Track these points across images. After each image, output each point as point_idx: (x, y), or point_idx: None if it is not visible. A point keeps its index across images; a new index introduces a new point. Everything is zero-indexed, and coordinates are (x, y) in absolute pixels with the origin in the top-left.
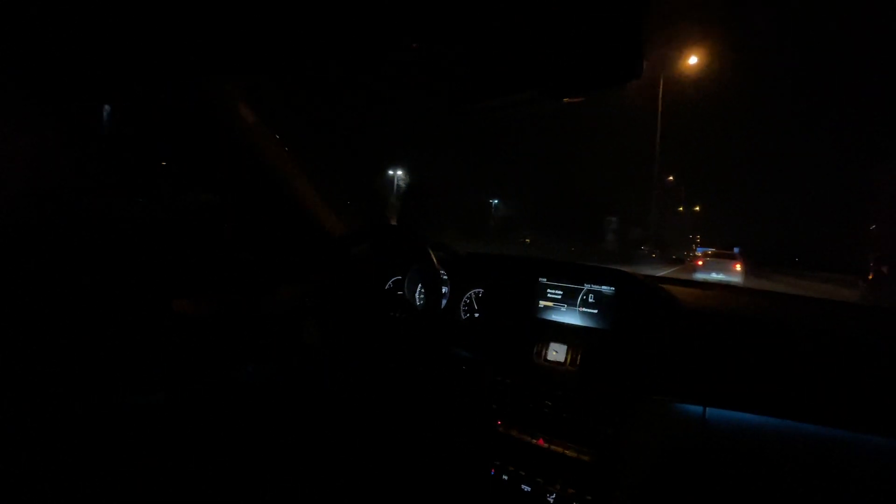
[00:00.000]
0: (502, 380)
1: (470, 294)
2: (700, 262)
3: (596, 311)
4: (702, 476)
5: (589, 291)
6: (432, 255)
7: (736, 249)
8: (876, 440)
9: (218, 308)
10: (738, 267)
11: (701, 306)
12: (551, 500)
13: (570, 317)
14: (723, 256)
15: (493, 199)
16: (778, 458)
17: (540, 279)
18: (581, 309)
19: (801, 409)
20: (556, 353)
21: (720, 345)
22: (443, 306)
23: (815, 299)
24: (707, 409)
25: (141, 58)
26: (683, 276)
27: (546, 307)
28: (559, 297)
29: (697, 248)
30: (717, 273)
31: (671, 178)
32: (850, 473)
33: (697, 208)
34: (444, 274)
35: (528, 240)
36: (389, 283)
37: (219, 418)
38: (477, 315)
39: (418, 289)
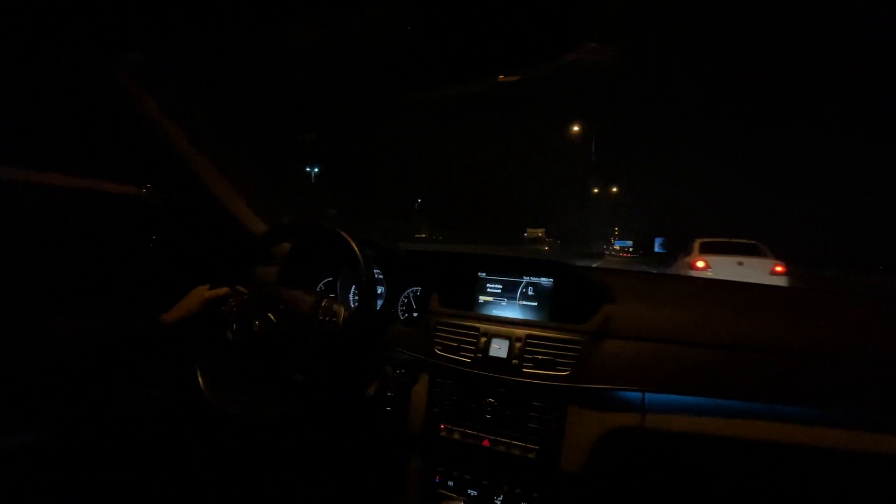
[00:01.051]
0: (443, 381)
1: (408, 293)
2: (703, 264)
3: (536, 304)
4: (642, 461)
5: (528, 284)
6: (360, 254)
7: (658, 241)
8: (801, 411)
9: (101, 325)
10: (780, 270)
11: (635, 294)
12: (498, 502)
13: (510, 311)
14: (744, 251)
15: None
16: (714, 437)
17: (479, 274)
18: (521, 302)
19: (733, 387)
20: (498, 348)
21: (655, 330)
22: (379, 307)
23: (734, 283)
24: (646, 394)
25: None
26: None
27: (486, 302)
28: (499, 291)
29: (616, 241)
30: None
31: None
32: (781, 446)
33: (615, 189)
34: (378, 273)
35: (423, 234)
36: (321, 285)
37: (112, 455)
38: (416, 314)
39: (351, 291)
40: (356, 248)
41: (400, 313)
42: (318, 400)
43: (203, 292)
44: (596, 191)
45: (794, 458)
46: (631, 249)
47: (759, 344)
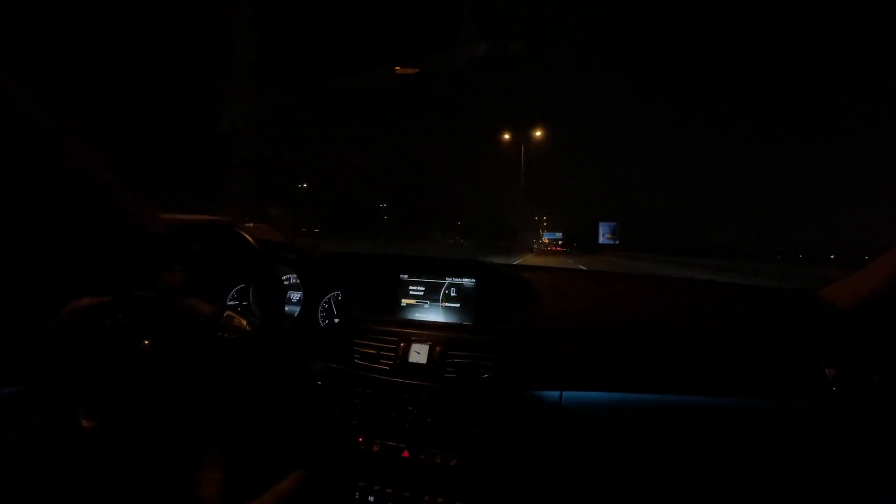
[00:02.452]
0: (363, 390)
1: (329, 298)
2: None
3: (458, 306)
4: (561, 459)
5: (451, 285)
6: (263, 257)
7: (606, 227)
8: (706, 400)
9: None
10: None
11: (554, 291)
12: None
13: (433, 313)
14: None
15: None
16: (628, 429)
17: (401, 276)
18: (444, 304)
19: (647, 382)
20: (419, 353)
21: (574, 328)
22: (297, 314)
23: (647, 276)
24: (563, 392)
25: None
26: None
27: (409, 305)
28: (421, 293)
29: (545, 234)
30: None
31: (507, 136)
32: (688, 433)
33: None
34: (295, 278)
35: (317, 229)
36: (233, 292)
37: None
38: (337, 321)
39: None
40: (258, 250)
41: (320, 320)
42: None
43: (80, 302)
44: (522, 180)
45: (702, 447)
46: (561, 242)
47: (666, 336)
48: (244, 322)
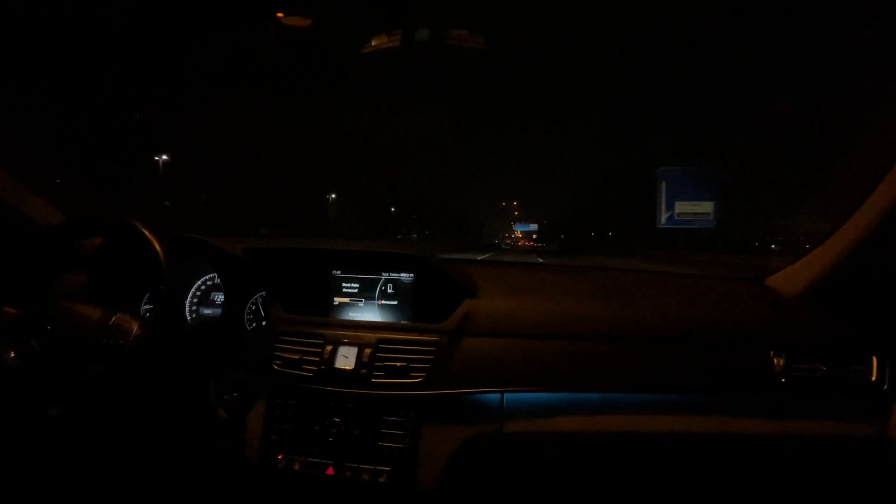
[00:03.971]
0: (283, 401)
1: (256, 298)
2: None
3: (396, 303)
4: (503, 470)
5: (388, 281)
6: (159, 253)
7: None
8: (633, 396)
9: None
10: None
11: (496, 286)
12: None
13: (368, 312)
14: None
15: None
16: (572, 434)
17: (334, 272)
18: (380, 302)
19: (588, 379)
20: (346, 357)
21: (513, 323)
22: (219, 316)
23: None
24: (505, 395)
25: None
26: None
27: (342, 304)
28: (356, 290)
29: (517, 226)
30: None
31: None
32: (634, 433)
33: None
34: (215, 278)
35: (263, 231)
36: (145, 298)
37: None
38: (264, 323)
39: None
40: (156, 246)
41: (247, 323)
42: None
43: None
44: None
45: (650, 447)
46: (535, 236)
47: (612, 332)
48: (135, 326)
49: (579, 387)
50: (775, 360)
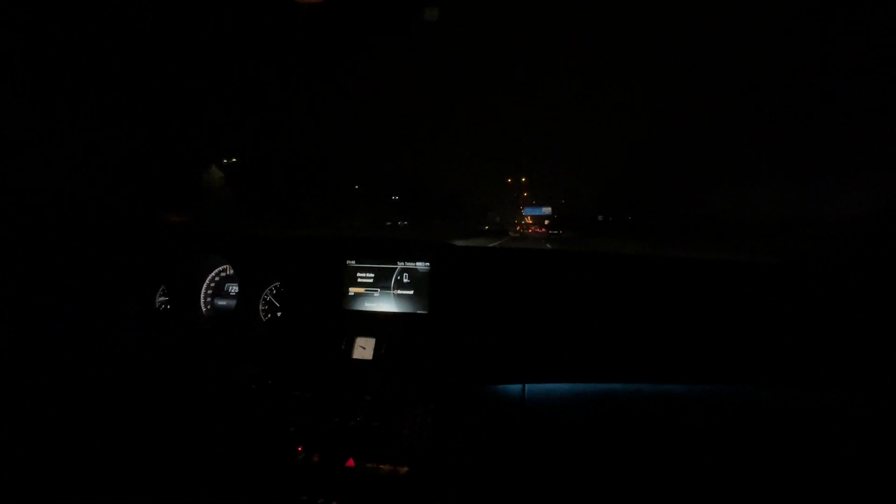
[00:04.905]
0: (301, 394)
1: (270, 289)
2: None
3: (412, 293)
4: (524, 457)
5: (403, 270)
6: (172, 249)
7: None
8: (674, 388)
9: None
10: None
11: (518, 274)
12: None
13: (384, 303)
14: None
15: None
16: (593, 420)
17: (348, 262)
18: (396, 292)
19: (615, 370)
20: (364, 348)
21: (535, 316)
22: (234, 308)
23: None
24: (526, 385)
25: None
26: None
27: (357, 295)
28: (371, 280)
29: (525, 209)
30: None
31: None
32: (656, 422)
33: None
34: (229, 269)
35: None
36: (161, 289)
37: None
38: (279, 314)
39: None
40: (168, 239)
41: (262, 314)
42: None
43: None
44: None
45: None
46: (548, 222)
47: (648, 320)
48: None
49: (603, 378)
50: (808, 351)
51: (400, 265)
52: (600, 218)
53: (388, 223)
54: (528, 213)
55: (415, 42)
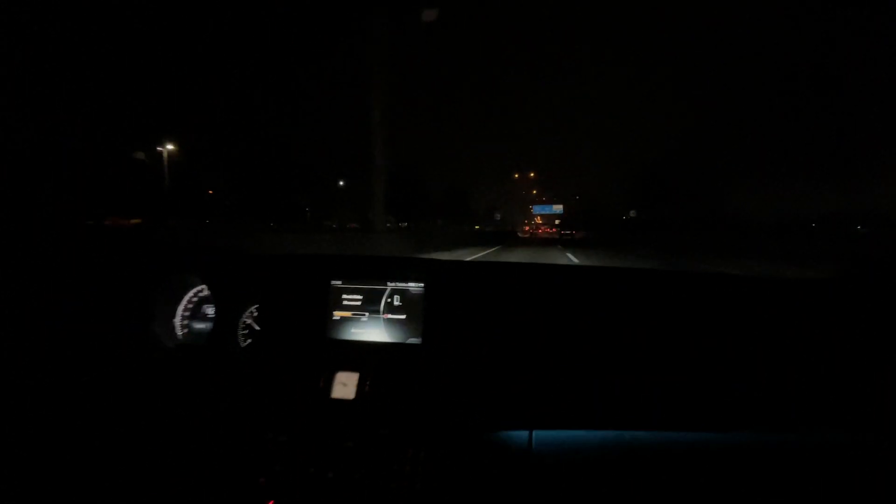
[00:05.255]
0: (274, 437)
1: (250, 312)
2: None
3: (404, 317)
4: None
5: (394, 292)
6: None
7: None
8: (691, 436)
9: None
10: None
11: (525, 295)
12: None
13: (372, 329)
14: None
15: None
16: (613, 474)
17: (333, 282)
18: (386, 316)
19: (635, 415)
20: (345, 385)
21: (547, 347)
22: (210, 332)
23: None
24: (533, 431)
25: None
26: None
27: (343, 319)
28: (358, 303)
29: (535, 208)
30: None
31: None
32: (671, 473)
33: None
34: (205, 290)
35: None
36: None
37: None
38: (256, 341)
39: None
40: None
41: (241, 339)
42: None
43: None
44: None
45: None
46: (558, 222)
47: (672, 354)
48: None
49: (625, 424)
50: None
51: (391, 286)
52: (633, 214)
53: (388, 224)
54: (538, 213)
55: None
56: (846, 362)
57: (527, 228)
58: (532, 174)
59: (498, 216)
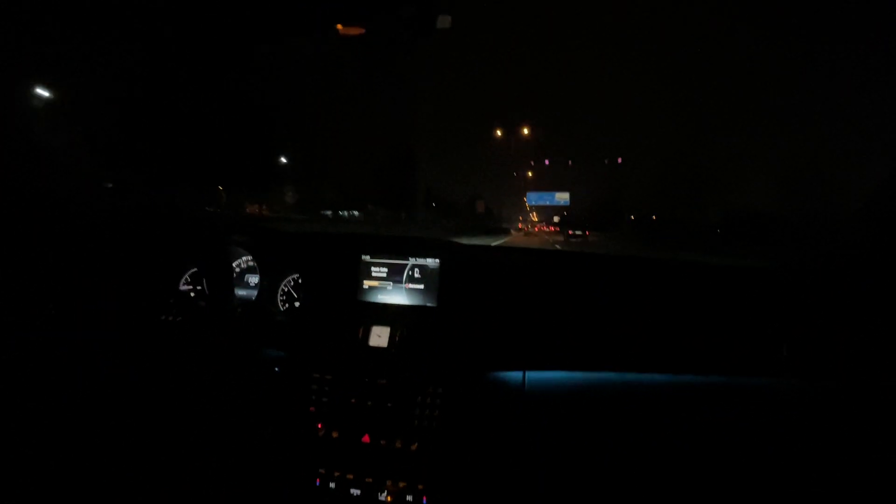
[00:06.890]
0: (321, 376)
1: (288, 281)
2: None
3: (422, 287)
4: (523, 438)
5: (414, 266)
6: (210, 241)
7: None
8: (672, 378)
9: None
10: None
11: (524, 273)
12: (383, 499)
13: (396, 296)
14: None
15: None
16: (592, 408)
17: (363, 257)
18: (407, 286)
19: (607, 360)
20: (380, 336)
21: (537, 310)
22: (254, 298)
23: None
24: (526, 372)
25: None
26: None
27: (371, 287)
28: (384, 274)
29: (528, 196)
30: None
31: None
32: (652, 412)
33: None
34: (251, 260)
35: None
36: (186, 276)
37: None
38: (297, 304)
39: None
40: (203, 233)
41: (280, 304)
42: None
43: None
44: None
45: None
46: (557, 219)
47: (637, 315)
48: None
49: (599, 367)
50: (785, 346)
51: (411, 261)
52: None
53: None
54: (534, 203)
55: None
56: (809, 324)
57: (521, 226)
58: (526, 130)
59: (480, 208)
